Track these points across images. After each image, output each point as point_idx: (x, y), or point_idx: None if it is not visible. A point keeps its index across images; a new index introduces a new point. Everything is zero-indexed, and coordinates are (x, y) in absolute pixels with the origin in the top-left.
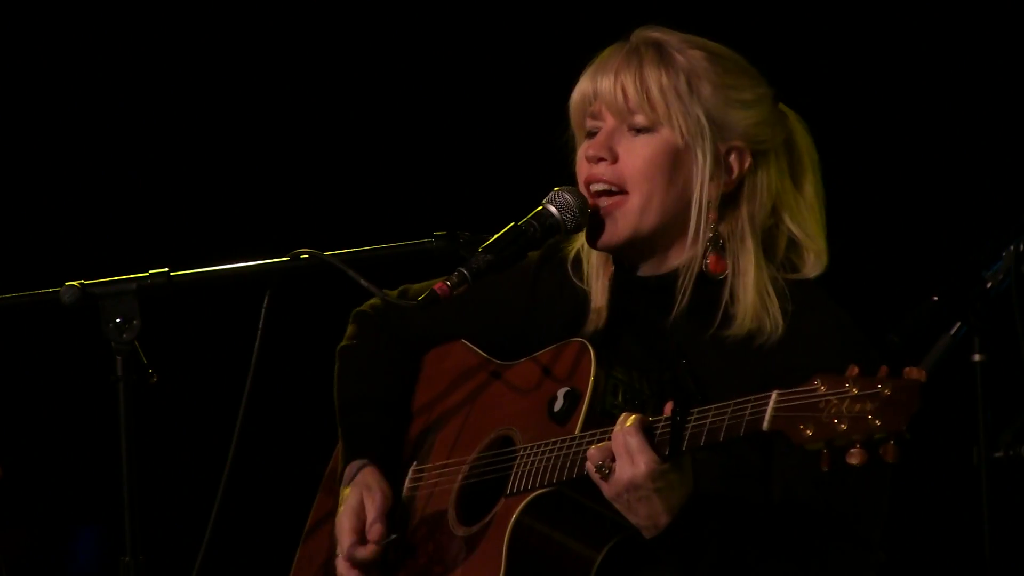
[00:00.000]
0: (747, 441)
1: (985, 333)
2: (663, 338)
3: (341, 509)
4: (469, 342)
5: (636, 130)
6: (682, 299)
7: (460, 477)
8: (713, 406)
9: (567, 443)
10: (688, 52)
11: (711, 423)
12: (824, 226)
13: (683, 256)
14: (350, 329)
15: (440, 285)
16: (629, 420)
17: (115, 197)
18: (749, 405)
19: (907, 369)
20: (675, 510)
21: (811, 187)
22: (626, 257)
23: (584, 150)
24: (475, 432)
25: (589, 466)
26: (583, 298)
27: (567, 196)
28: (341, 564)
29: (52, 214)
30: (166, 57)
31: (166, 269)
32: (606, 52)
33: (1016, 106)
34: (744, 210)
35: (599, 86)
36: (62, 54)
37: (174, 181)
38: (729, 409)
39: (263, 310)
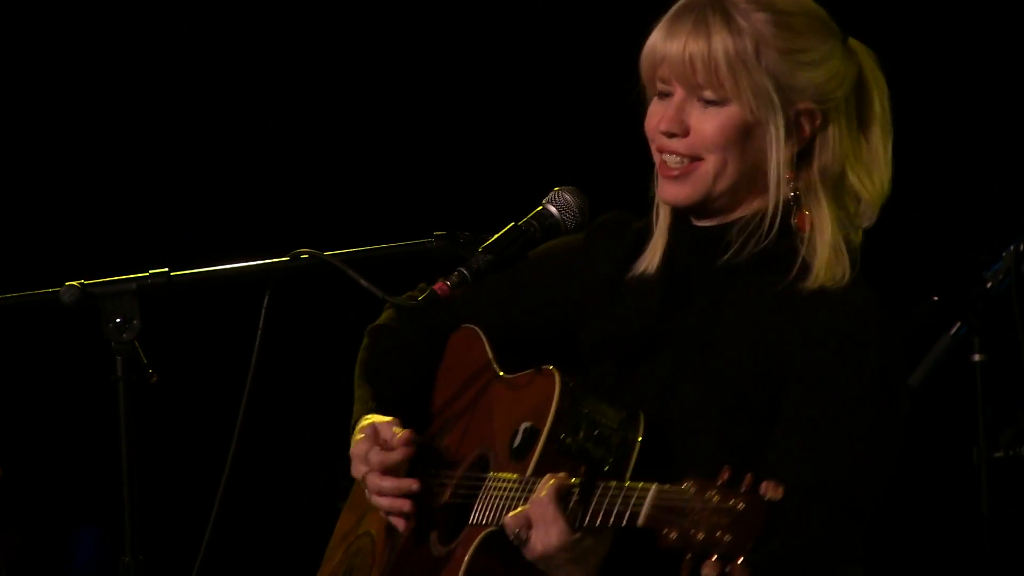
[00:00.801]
0: (627, 531)
1: (985, 333)
2: (704, 290)
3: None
4: (510, 324)
5: (706, 102)
6: (735, 249)
7: (448, 492)
8: (613, 484)
9: (517, 485)
10: (753, 16)
11: (607, 504)
12: (886, 174)
13: (749, 208)
14: (385, 315)
15: (440, 285)
16: (545, 488)
17: (115, 197)
18: (635, 494)
19: (764, 484)
20: (594, 571)
21: (878, 130)
22: (692, 213)
23: (656, 122)
24: (467, 445)
25: (508, 532)
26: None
27: (567, 196)
28: (372, 480)
29: (52, 214)
30: (166, 57)
31: (166, 269)
32: (676, 7)
33: (1016, 106)
34: (816, 166)
35: (668, 51)
36: (62, 54)
37: (174, 181)
38: (621, 493)
39: (263, 310)
